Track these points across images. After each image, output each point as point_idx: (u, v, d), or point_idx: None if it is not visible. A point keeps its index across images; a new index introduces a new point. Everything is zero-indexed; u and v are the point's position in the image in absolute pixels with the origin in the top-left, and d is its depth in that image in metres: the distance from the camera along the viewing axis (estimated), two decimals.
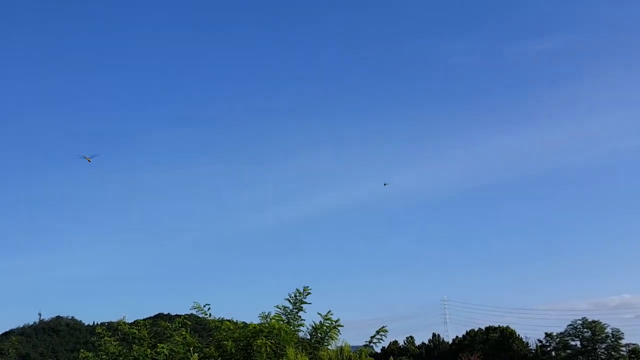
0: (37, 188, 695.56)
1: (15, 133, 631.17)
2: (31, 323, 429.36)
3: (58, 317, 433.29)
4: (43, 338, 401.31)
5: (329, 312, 20.99)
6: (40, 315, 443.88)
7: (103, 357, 20.52)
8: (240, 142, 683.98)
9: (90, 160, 46.15)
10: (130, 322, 23.94)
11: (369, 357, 20.67)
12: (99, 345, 21.70)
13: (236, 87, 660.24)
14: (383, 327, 22.37)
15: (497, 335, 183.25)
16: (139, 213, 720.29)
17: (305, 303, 21.47)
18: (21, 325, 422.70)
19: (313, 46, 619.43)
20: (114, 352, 20.54)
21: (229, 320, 22.80)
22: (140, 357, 19.57)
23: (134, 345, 20.62)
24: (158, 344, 20.54)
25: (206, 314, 22.49)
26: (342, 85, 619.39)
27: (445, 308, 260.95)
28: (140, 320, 23.51)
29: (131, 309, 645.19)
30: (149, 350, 20.03)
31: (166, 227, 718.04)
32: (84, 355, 21.35)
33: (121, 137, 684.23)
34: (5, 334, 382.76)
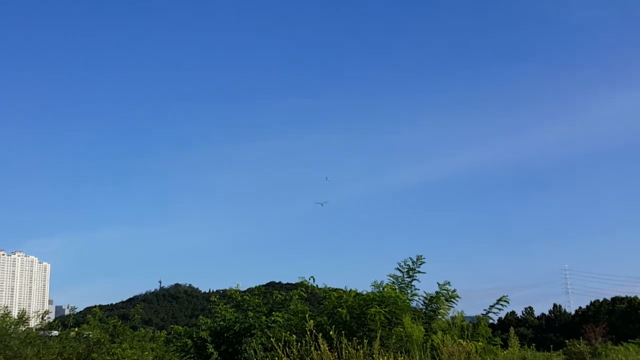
0: (156, 163, 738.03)
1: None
2: (152, 290, 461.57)
3: (177, 284, 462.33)
4: (163, 304, 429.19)
5: (446, 282, 20.55)
6: (160, 283, 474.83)
7: (220, 323, 21.30)
8: (354, 111, 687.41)
9: (323, 204, 49.30)
10: (243, 290, 24.70)
11: (487, 327, 20.08)
12: (215, 312, 22.52)
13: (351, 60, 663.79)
14: (503, 296, 21.60)
15: (624, 306, 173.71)
16: (254, 182, 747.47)
17: (419, 272, 21.14)
18: (143, 293, 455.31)
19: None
20: (230, 319, 21.25)
21: (340, 290, 22.94)
22: (256, 324, 20.13)
23: (249, 312, 21.19)
24: (273, 312, 21.01)
25: (312, 286, 22.72)
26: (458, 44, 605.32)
27: (566, 278, 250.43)
28: (253, 288, 24.17)
29: (244, 277, 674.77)
30: (264, 317, 20.55)
31: (283, 195, 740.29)
32: (202, 321, 22.27)
33: (247, 105, 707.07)
34: (130, 300, 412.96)
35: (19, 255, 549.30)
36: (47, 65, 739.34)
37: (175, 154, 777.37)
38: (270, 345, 19.31)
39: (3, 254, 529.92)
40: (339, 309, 18.95)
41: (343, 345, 13.56)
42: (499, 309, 21.47)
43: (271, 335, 18.17)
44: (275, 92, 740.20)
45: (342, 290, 22.77)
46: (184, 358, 21.91)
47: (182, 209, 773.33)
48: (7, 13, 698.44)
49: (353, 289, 22.16)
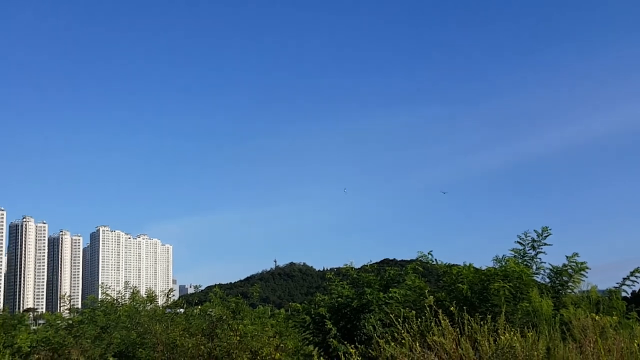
0: (268, 145, 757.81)
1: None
2: (268, 269, 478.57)
3: (291, 263, 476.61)
4: (279, 282, 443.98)
5: (574, 254, 19.56)
6: (275, 262, 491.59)
7: (338, 300, 21.58)
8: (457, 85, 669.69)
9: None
10: (357, 267, 24.85)
11: (620, 300, 18.94)
12: (331, 289, 22.84)
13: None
14: (638, 268, 20.26)
15: None
16: (364, 159, 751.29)
17: (545, 244, 20.26)
18: (260, 271, 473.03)
19: None
20: (347, 295, 21.46)
21: (458, 265, 22.48)
22: (374, 300, 20.19)
23: (366, 289, 21.29)
24: (390, 289, 20.98)
25: (431, 261, 22.42)
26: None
27: None
28: (367, 265, 24.24)
29: (357, 255, 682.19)
30: (381, 294, 20.57)
31: (390, 172, 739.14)
32: (319, 298, 22.66)
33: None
34: (247, 279, 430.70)
35: (143, 238, 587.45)
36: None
37: (286, 136, 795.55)
38: (388, 321, 19.33)
39: (129, 238, 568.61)
40: (459, 284, 18.58)
41: (465, 321, 13.26)
42: (633, 282, 20.17)
43: (389, 311, 18.14)
44: (381, 69, 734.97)
45: (460, 265, 22.33)
46: (304, 333, 22.45)
47: (295, 189, 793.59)
48: None
49: (471, 264, 21.67)
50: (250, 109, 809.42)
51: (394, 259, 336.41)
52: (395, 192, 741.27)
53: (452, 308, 14.27)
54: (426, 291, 17.18)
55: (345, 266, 24.24)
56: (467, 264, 21.68)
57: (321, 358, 13.73)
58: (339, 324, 20.71)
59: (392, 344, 13.17)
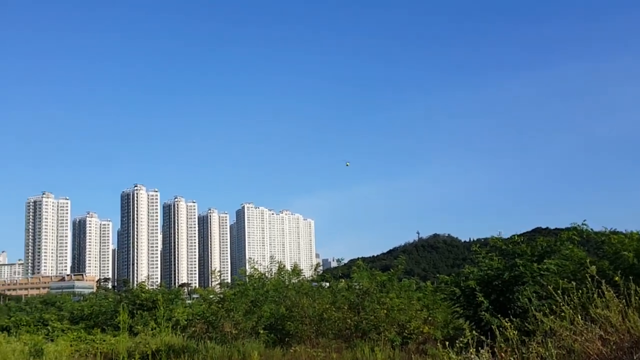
0: (405, 114, 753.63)
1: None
2: (411, 241, 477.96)
3: (435, 234, 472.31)
4: (423, 255, 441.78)
5: None
6: (418, 233, 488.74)
7: (488, 272, 21.09)
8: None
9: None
10: (505, 237, 24.03)
11: None
12: (479, 261, 22.34)
13: None
14: None
15: None
16: (509, 125, 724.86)
17: None
18: (402, 244, 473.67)
19: None
20: (498, 267, 20.91)
21: (620, 233, 21.07)
22: (527, 272, 19.52)
23: (517, 260, 20.62)
24: (545, 259, 20.15)
25: (587, 230, 21.21)
26: None
27: None
28: (516, 235, 23.37)
29: (505, 224, 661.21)
30: (535, 265, 19.82)
31: (541, 133, 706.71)
32: (469, 270, 22.27)
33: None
34: (390, 252, 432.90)
35: (286, 214, 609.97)
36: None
37: (420, 103, 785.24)
38: (544, 293, 18.60)
39: (272, 214, 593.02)
40: (624, 252, 17.44)
41: (632, 292, 12.42)
42: None
43: (545, 282, 17.44)
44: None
45: (622, 233, 20.95)
46: (453, 307, 22.23)
47: (435, 158, 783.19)
48: None
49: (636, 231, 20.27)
50: (381, 78, 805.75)
51: (547, 227, 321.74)
52: (548, 152, 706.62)
53: (616, 278, 13.44)
54: (587, 261, 16.25)
55: (493, 237, 23.56)
56: (630, 232, 20.32)
57: (473, 331, 13.46)
58: (490, 297, 20.24)
59: (551, 317, 12.69)
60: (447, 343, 13.53)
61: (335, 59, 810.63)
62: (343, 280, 34.71)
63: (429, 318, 26.00)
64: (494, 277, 20.83)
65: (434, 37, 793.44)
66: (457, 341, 13.59)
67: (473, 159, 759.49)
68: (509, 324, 12.94)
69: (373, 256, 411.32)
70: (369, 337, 25.18)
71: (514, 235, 23.27)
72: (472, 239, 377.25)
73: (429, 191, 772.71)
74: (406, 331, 25.26)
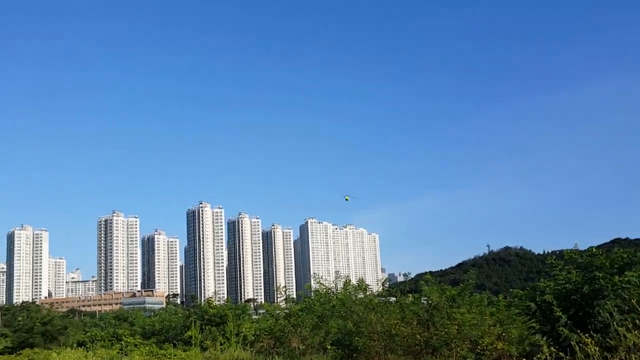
0: (476, 122, 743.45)
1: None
2: (481, 255, 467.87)
3: (507, 247, 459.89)
4: (494, 268, 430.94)
5: None
6: (489, 247, 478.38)
7: (565, 285, 20.32)
8: None
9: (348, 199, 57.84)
10: (582, 249, 23.10)
11: None
12: (556, 274, 21.56)
13: None
14: None
15: None
16: (579, 133, 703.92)
17: None
18: (472, 257, 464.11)
19: None
20: (576, 281, 20.12)
21: None
22: (608, 285, 18.70)
23: (596, 273, 19.79)
24: (626, 272, 19.26)
25: None
26: None
27: None
28: (594, 247, 22.42)
29: (582, 236, 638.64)
30: (616, 277, 18.97)
31: (614, 142, 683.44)
32: (545, 284, 21.54)
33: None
34: (459, 265, 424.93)
35: (349, 229, 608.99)
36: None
37: (484, 111, 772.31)
38: (627, 307, 17.76)
39: (336, 229, 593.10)
40: None
41: None
42: None
43: (627, 296, 16.70)
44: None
45: None
46: (529, 322, 21.50)
47: (503, 168, 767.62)
48: None
49: None
50: (448, 85, 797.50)
51: (626, 238, 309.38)
52: (624, 158, 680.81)
53: None
54: None
55: (568, 250, 22.69)
56: None
57: (551, 348, 13.00)
58: (569, 312, 19.46)
59: (634, 331, 12.10)
60: (523, 359, 13.09)
61: (405, 67, 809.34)
62: (411, 295, 34.18)
63: (503, 334, 25.20)
64: (572, 290, 20.05)
65: (502, 37, 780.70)
66: (534, 358, 13.16)
67: (545, 168, 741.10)
68: (589, 339, 12.46)
69: (441, 270, 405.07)
70: (440, 353, 24.64)
71: (591, 247, 22.37)
72: (546, 252, 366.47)
73: (498, 202, 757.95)
74: (479, 347, 24.56)
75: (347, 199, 54.29)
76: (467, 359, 23.31)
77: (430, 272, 36.69)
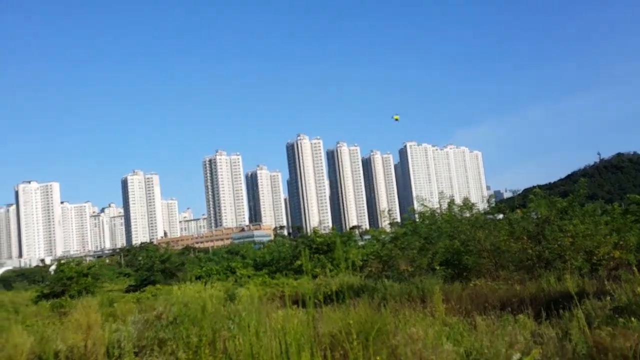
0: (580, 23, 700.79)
1: None
2: (592, 164, 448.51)
3: (619, 154, 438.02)
4: (607, 176, 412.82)
5: None
6: (599, 155, 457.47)
7: None
8: None
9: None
10: None
11: None
12: None
13: None
14: None
15: None
16: None
17: None
18: (582, 167, 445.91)
19: None
20: None
21: None
22: None
23: None
24: None
25: None
26: None
27: None
28: None
29: None
30: None
31: None
32: None
33: None
34: (568, 177, 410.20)
35: (450, 148, 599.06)
36: None
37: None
38: None
39: (436, 149, 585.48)
40: None
41: None
42: None
43: None
44: None
45: None
46: None
47: (608, 72, 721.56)
48: None
49: None
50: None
51: None
52: None
53: None
54: None
55: None
56: None
57: None
58: None
59: None
60: None
61: None
62: (519, 210, 33.47)
63: (620, 242, 24.36)
64: None
65: None
66: None
67: None
68: None
69: (550, 183, 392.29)
70: (554, 266, 24.23)
71: None
72: None
73: (608, 109, 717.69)
74: (595, 258, 23.94)
75: (396, 119, 52.13)
76: (583, 269, 22.79)
77: (539, 186, 35.65)
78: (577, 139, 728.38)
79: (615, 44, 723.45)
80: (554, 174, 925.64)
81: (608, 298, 14.04)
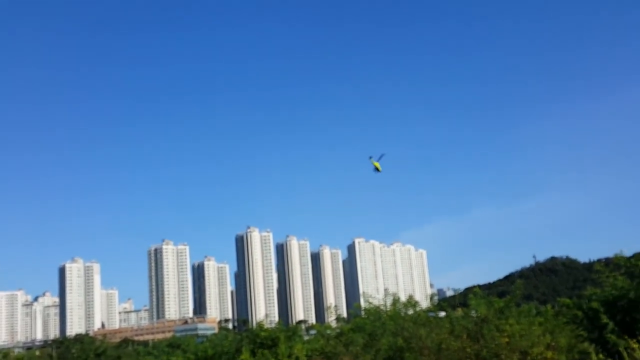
0: (513, 136, 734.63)
1: None
2: (528, 266, 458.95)
3: (552, 257, 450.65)
4: (541, 279, 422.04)
5: None
6: (535, 257, 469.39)
7: (612, 292, 20.30)
8: None
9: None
10: (629, 255, 22.93)
11: None
12: (603, 281, 21.51)
13: None
14: None
15: None
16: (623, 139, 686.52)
17: None
18: (519, 269, 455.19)
19: None
20: (623, 287, 20.07)
21: None
22: None
23: None
24: None
25: None
26: None
27: None
28: (639, 252, 22.29)
29: (628, 244, 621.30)
30: None
31: None
32: (591, 292, 21.53)
33: None
34: (506, 277, 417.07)
35: (397, 246, 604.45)
36: None
37: (528, 125, 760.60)
38: None
39: (383, 247, 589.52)
40: None
41: None
42: None
43: None
44: None
45: None
46: (577, 330, 21.46)
47: (546, 180, 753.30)
48: None
49: None
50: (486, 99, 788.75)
51: None
52: None
53: None
54: None
55: (616, 256, 22.58)
56: None
57: (599, 355, 13.13)
58: (616, 318, 19.42)
59: None
60: None
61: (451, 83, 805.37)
62: (460, 309, 34.16)
63: (552, 343, 25.05)
64: (618, 297, 19.99)
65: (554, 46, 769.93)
66: None
67: (588, 180, 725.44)
68: (637, 344, 12.55)
69: (489, 283, 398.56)
70: None
71: (638, 252, 22.25)
72: (592, 260, 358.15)
73: (544, 215, 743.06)
74: (529, 357, 24.48)
75: (378, 169, 45.27)
76: None
77: (479, 285, 36.66)
78: (515, 242, 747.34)
79: (552, 155, 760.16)
80: (493, 273, 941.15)
81: None
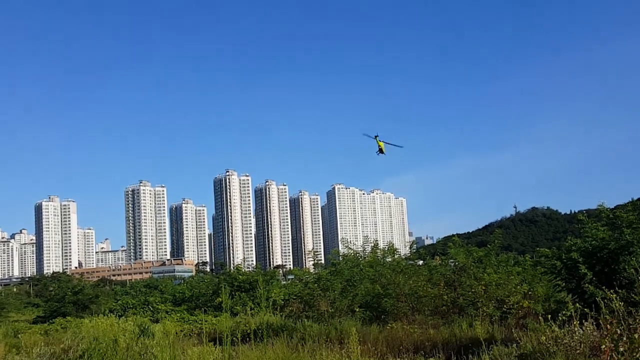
0: (507, 85, 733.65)
1: None
2: (508, 216, 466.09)
3: (533, 208, 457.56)
4: (521, 229, 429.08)
5: None
6: (515, 208, 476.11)
7: (592, 242, 20.43)
8: None
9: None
10: (610, 207, 23.08)
11: None
12: (585, 232, 21.65)
13: None
14: None
15: None
16: (614, 89, 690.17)
17: None
18: (499, 219, 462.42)
19: None
20: (604, 238, 20.20)
21: None
22: (635, 241, 18.77)
23: (624, 229, 19.85)
24: None
25: None
26: None
27: None
28: (626, 204, 22.43)
29: (609, 194, 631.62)
30: None
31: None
32: (571, 242, 21.64)
33: None
34: (486, 227, 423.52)
35: (377, 193, 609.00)
36: None
37: (517, 75, 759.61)
38: None
39: (363, 194, 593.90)
40: None
41: None
42: None
43: None
44: None
45: None
46: (555, 280, 21.71)
47: (530, 131, 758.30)
48: None
49: None
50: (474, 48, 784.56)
51: None
52: None
53: None
54: None
55: (599, 206, 22.70)
56: None
57: (576, 304, 13.18)
58: (595, 269, 19.61)
59: None
60: (548, 317, 13.32)
61: (439, 34, 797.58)
62: (438, 257, 34.53)
63: (529, 292, 25.47)
64: (598, 247, 20.15)
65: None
66: (559, 314, 13.36)
67: (572, 129, 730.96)
68: (614, 295, 12.59)
69: (468, 232, 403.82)
70: (466, 312, 25.02)
71: (618, 205, 22.37)
72: (573, 211, 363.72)
73: (526, 164, 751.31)
74: (505, 306, 24.89)
75: (382, 150, 41.58)
76: (494, 317, 23.64)
77: (458, 235, 36.92)
78: (496, 193, 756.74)
79: (534, 106, 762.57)
80: (473, 223, 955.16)
81: (514, 345, 14.71)
